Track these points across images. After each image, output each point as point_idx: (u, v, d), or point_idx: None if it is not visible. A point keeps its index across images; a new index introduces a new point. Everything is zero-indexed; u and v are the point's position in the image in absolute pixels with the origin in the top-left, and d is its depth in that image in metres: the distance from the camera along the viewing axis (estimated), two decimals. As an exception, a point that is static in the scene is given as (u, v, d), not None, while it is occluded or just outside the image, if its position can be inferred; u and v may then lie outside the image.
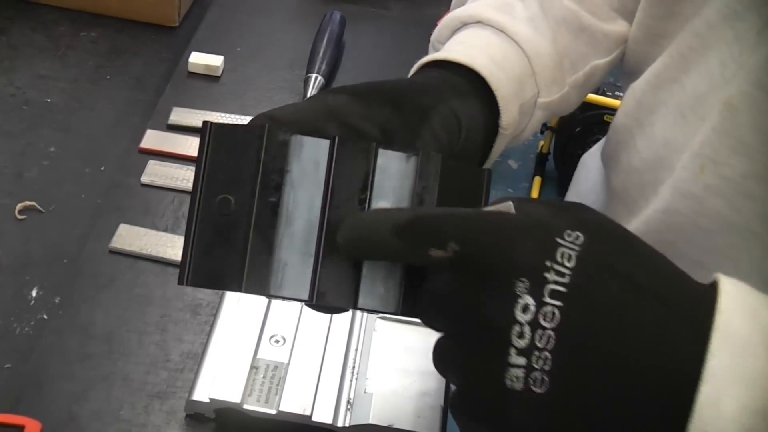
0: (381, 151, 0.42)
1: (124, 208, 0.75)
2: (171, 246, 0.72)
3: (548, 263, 0.35)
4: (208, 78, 0.91)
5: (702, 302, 0.34)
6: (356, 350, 0.63)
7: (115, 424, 0.60)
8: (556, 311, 0.34)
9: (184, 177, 0.78)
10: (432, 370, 0.40)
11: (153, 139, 0.82)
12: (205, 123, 0.43)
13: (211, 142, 0.43)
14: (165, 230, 0.74)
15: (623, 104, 0.60)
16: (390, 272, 0.42)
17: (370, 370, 0.61)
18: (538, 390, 0.35)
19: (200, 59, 0.91)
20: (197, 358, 0.64)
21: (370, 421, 0.57)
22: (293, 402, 0.58)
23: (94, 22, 0.96)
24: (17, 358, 0.63)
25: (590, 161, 0.71)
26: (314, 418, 0.57)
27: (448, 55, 0.52)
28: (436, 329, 0.39)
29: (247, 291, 0.42)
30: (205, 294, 0.69)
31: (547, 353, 0.34)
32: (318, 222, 0.42)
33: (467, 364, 0.37)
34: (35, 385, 0.62)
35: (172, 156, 0.80)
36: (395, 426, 0.57)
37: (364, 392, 0.59)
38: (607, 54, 0.61)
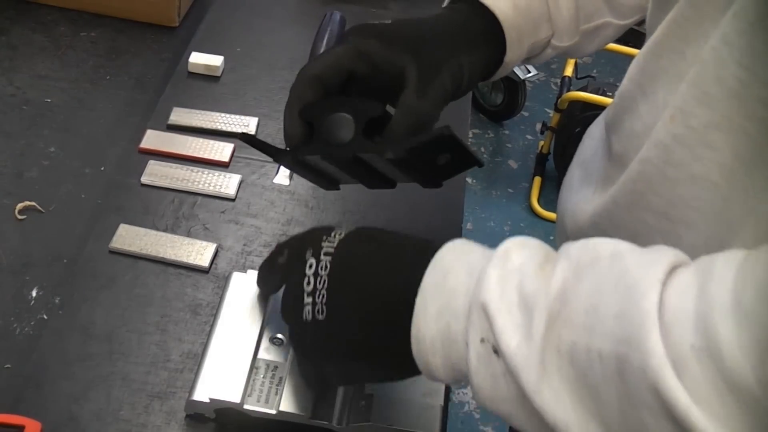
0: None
1: (124, 208, 0.75)
2: (171, 246, 0.72)
3: (324, 237, 0.53)
4: (208, 78, 0.91)
5: (428, 251, 0.49)
6: (356, 350, 0.63)
7: (115, 424, 0.60)
8: (328, 263, 0.51)
9: (184, 177, 0.78)
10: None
11: (153, 139, 0.82)
12: None
13: None
14: (165, 230, 0.74)
15: (628, 71, 0.61)
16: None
17: (370, 370, 0.61)
18: (320, 317, 0.51)
19: (200, 59, 0.91)
20: (197, 358, 0.64)
21: (370, 421, 0.57)
22: (293, 402, 0.58)
23: (94, 22, 0.96)
24: (17, 358, 0.63)
25: (595, 131, 0.73)
26: (314, 418, 0.57)
27: None
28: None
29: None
30: (205, 294, 0.69)
31: (324, 292, 0.51)
32: None
33: (287, 312, 0.54)
34: (35, 385, 0.62)
35: (172, 156, 0.80)
36: (395, 426, 0.57)
37: (364, 392, 0.59)
38: (622, 18, 0.69)
